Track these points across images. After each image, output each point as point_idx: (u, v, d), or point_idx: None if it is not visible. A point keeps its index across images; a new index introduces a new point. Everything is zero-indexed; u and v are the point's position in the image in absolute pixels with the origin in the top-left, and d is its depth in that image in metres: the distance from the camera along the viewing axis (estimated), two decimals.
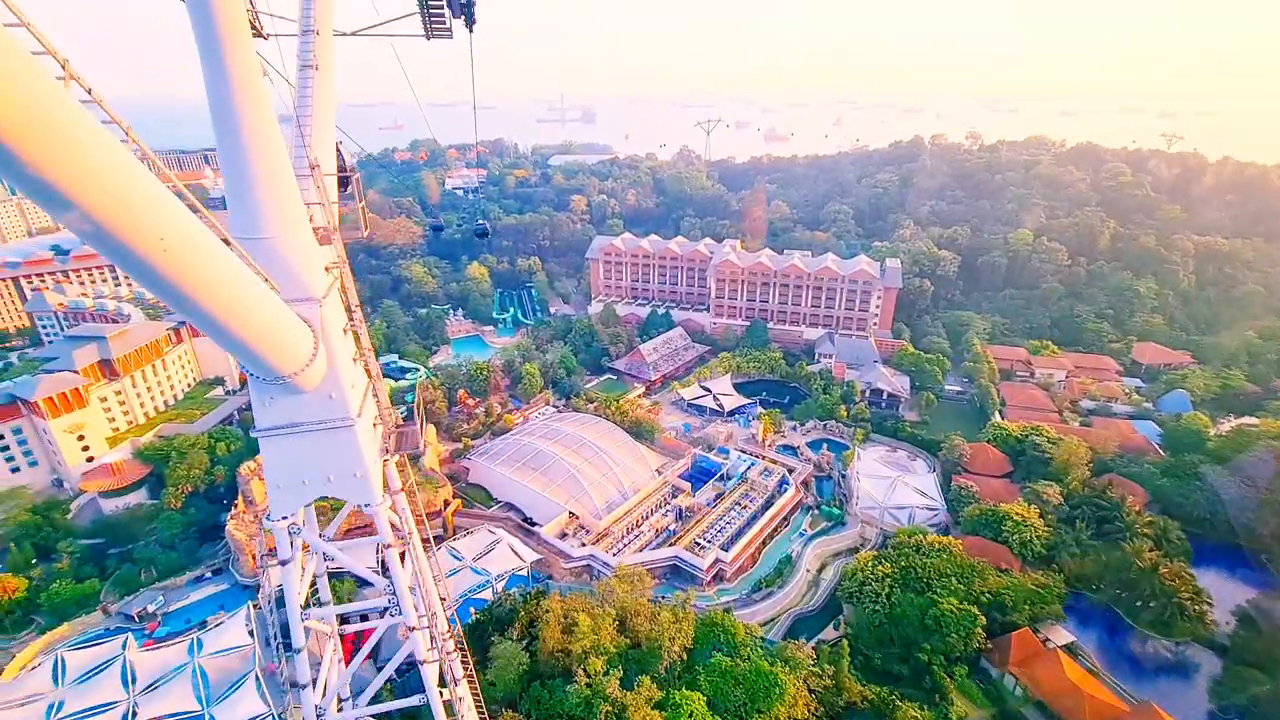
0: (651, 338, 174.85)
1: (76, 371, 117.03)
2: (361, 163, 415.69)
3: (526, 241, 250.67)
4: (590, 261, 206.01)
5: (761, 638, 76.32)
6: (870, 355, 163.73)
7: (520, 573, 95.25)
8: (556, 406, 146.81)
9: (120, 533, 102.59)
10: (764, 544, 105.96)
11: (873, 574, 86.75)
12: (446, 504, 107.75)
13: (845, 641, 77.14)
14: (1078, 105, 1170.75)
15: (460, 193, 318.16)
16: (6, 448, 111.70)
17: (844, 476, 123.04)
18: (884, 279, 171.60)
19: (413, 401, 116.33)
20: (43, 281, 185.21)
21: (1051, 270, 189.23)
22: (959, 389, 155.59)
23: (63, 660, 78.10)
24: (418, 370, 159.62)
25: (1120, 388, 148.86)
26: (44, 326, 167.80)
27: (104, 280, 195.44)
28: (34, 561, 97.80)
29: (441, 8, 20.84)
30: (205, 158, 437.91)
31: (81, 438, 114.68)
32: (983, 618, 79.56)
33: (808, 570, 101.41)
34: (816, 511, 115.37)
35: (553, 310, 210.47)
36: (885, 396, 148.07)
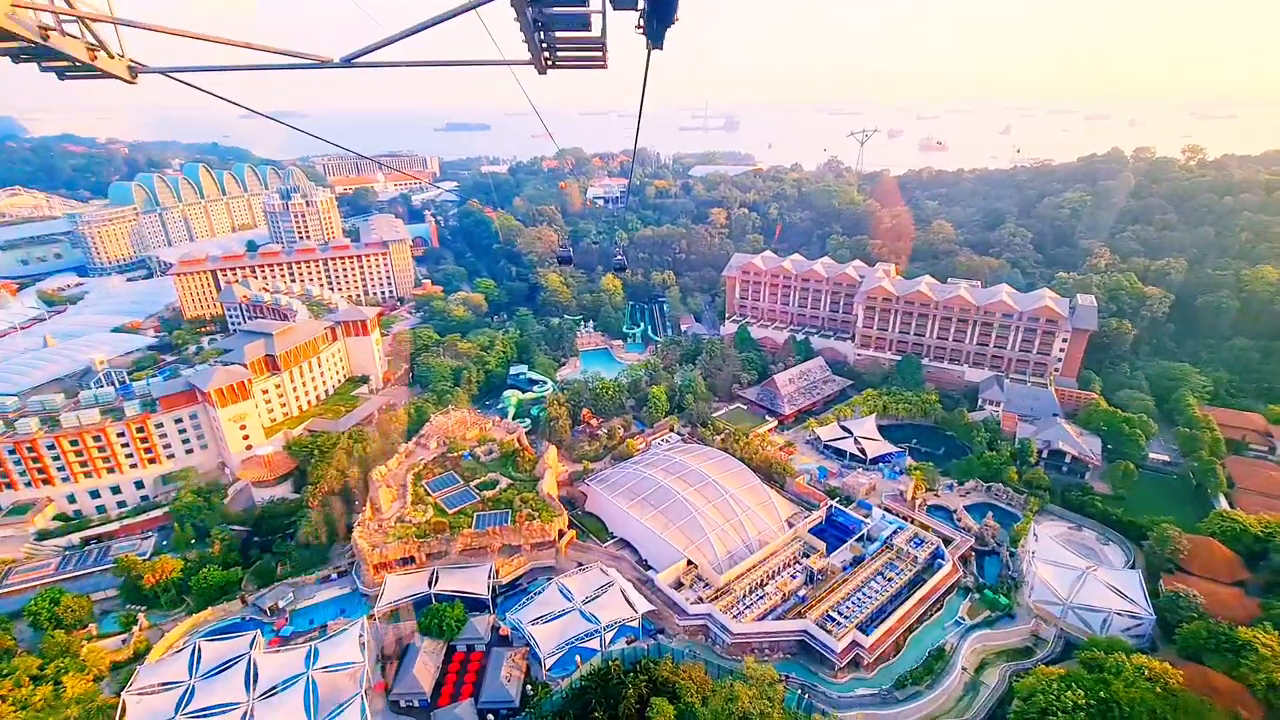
0: (788, 366, 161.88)
1: (246, 365, 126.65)
2: (512, 169, 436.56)
3: (662, 254, 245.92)
4: (727, 279, 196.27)
5: None
6: (1049, 407, 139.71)
7: (630, 624, 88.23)
8: (681, 435, 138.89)
9: (264, 524, 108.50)
10: (911, 629, 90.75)
11: (1059, 700, 69.78)
12: (561, 534, 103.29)
13: None
14: None
15: (601, 202, 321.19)
16: (184, 431, 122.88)
17: (1013, 555, 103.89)
18: (1073, 319, 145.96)
19: (540, 415, 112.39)
20: (234, 274, 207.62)
21: None
22: (1166, 459, 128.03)
23: (199, 650, 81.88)
24: (545, 384, 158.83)
25: None
26: (231, 315, 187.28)
27: (281, 276, 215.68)
28: (192, 542, 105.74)
29: (593, 39, 10.13)
30: (379, 163, 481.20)
31: (244, 427, 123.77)
32: None
33: (964, 669, 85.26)
34: (976, 596, 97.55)
35: (683, 328, 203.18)
36: (1068, 460, 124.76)
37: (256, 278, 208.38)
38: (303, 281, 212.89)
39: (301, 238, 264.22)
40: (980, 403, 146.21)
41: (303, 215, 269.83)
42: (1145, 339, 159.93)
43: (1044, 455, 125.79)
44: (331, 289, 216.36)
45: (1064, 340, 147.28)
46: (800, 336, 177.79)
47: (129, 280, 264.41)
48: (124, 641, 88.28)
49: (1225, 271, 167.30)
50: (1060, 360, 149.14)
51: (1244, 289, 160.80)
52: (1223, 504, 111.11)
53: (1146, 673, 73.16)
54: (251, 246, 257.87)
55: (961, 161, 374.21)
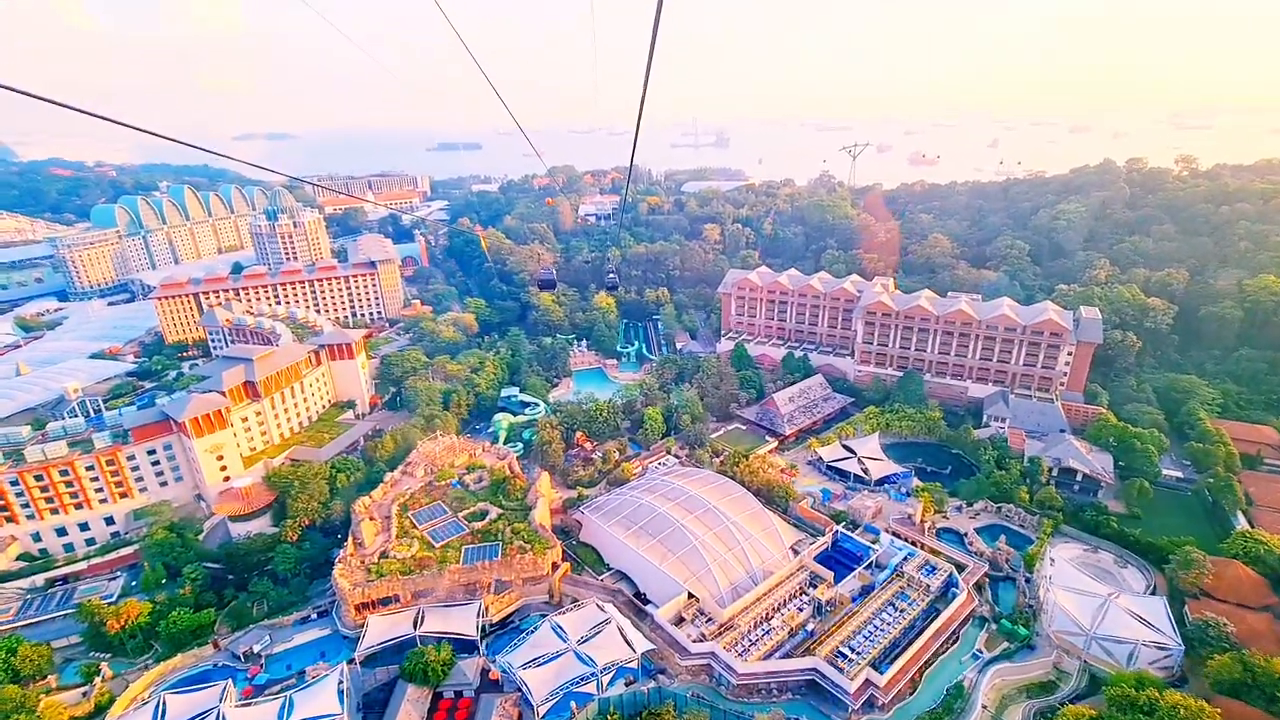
0: (787, 384, 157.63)
1: (224, 393, 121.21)
2: (503, 187, 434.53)
3: (656, 271, 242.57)
4: (722, 296, 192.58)
5: None
6: (1056, 423, 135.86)
7: (629, 664, 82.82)
8: (679, 457, 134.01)
9: (240, 561, 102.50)
10: (927, 663, 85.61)
11: None
12: (555, 567, 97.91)
13: None
14: None
15: (593, 219, 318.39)
16: (158, 462, 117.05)
17: (1029, 581, 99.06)
18: (1078, 332, 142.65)
19: (532, 439, 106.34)
20: (217, 297, 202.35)
21: None
22: (1179, 475, 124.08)
23: (164, 704, 75.80)
24: (537, 406, 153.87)
25: None
26: (213, 339, 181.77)
27: (266, 299, 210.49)
28: (163, 581, 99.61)
29: None
30: (369, 183, 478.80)
31: (221, 458, 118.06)
32: None
33: (984, 707, 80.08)
34: (994, 626, 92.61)
35: (679, 346, 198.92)
36: (1079, 478, 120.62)
37: (240, 300, 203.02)
38: (288, 304, 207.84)
39: (289, 259, 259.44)
40: (985, 419, 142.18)
41: (290, 236, 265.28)
42: (1149, 351, 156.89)
43: (1054, 473, 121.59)
44: (318, 311, 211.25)
45: (1069, 354, 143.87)
46: (798, 353, 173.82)
47: (110, 304, 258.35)
48: (85, 694, 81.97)
49: (1228, 282, 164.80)
50: (1065, 374, 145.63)
51: (1247, 299, 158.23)
52: (1242, 522, 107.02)
53: (1183, 712, 68.28)
54: (237, 268, 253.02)
55: (952, 175, 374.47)
